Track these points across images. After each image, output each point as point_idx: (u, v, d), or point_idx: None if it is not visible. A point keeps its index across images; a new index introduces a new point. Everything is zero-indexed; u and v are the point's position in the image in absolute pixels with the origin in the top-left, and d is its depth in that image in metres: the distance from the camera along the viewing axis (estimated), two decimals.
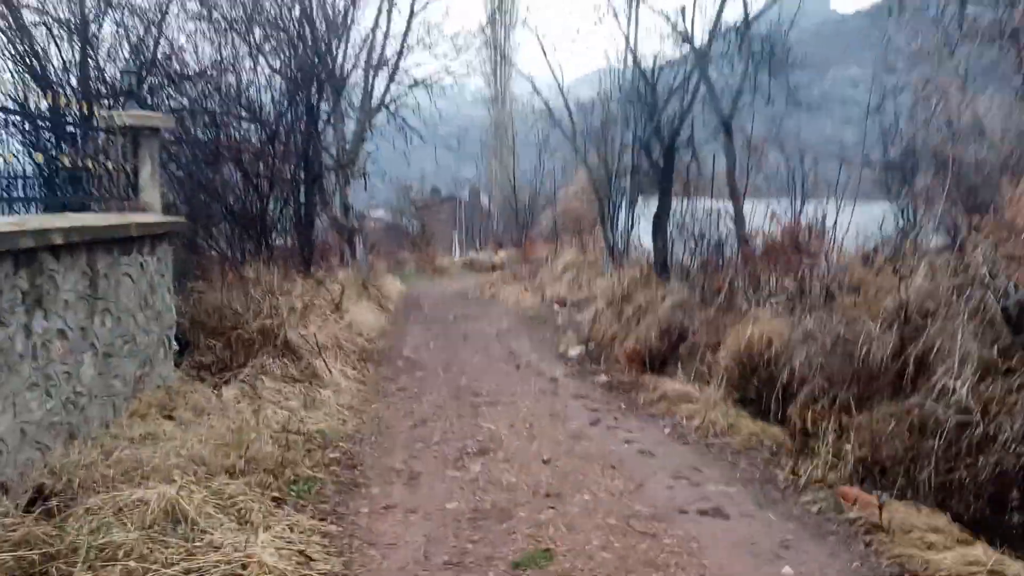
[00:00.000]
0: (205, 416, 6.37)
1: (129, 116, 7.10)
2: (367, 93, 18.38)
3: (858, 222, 10.59)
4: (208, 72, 9.75)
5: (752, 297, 8.63)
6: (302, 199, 11.37)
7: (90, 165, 6.37)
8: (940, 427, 4.95)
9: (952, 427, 4.88)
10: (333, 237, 19.02)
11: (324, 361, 8.39)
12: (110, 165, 6.69)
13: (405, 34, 18.38)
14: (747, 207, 11.57)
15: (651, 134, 11.32)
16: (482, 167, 41.08)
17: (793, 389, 7.02)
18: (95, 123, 6.58)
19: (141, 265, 6.44)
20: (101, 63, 9.01)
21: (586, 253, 18.88)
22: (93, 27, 8.84)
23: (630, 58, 13.75)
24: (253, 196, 10.30)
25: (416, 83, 18.72)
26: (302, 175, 11.37)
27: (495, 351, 11.78)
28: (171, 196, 9.63)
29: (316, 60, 11.34)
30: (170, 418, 6.26)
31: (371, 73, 18.61)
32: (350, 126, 19.06)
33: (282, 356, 8.00)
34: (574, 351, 11.52)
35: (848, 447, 5.52)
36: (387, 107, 19.13)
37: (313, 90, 11.26)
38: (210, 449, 5.54)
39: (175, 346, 7.73)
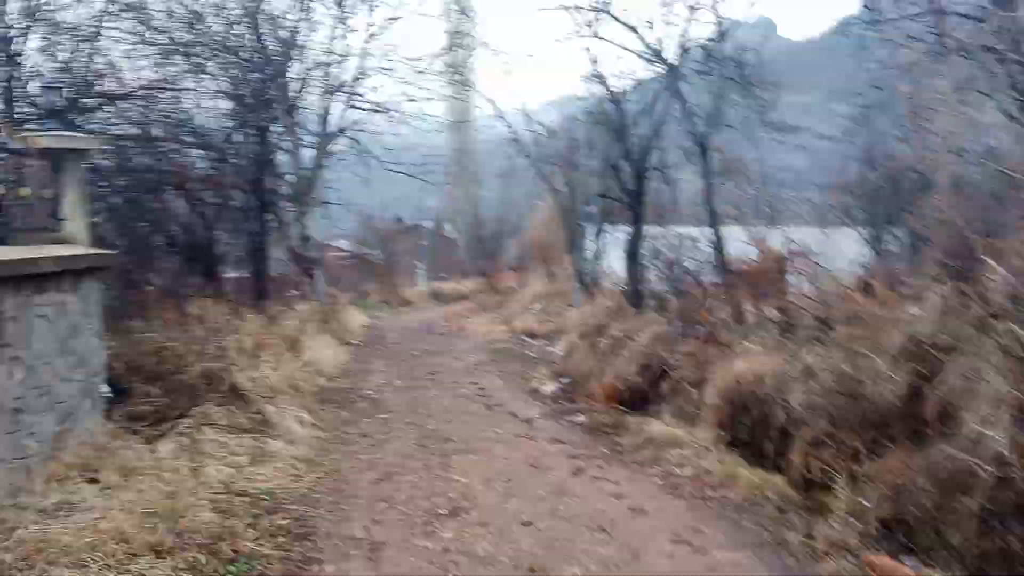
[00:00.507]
0: (136, 477, 5.52)
1: (49, 138, 6.29)
2: (324, 118, 17.64)
3: (839, 249, 10.13)
4: (148, 92, 8.94)
5: (737, 329, 8.02)
6: (254, 228, 10.52)
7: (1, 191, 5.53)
8: (975, 481, 4.34)
9: (989, 482, 4.27)
10: (292, 269, 18.15)
11: (276, 407, 7.55)
12: (25, 192, 5.86)
13: (362, 57, 17.73)
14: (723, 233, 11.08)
15: (620, 157, 10.77)
16: (445, 197, 40.49)
17: (791, 432, 6.41)
18: (6, 145, 5.77)
19: (60, 305, 5.59)
20: (26, 83, 8.17)
21: (555, 283, 18.27)
22: (17, 44, 8.00)
23: (596, 81, 13.30)
24: (199, 226, 9.46)
25: (376, 108, 18.02)
26: (253, 202, 10.55)
27: (465, 389, 11.02)
28: (107, 227, 8.77)
29: (266, 81, 10.58)
30: (94, 481, 5.39)
31: (328, 97, 17.90)
32: (307, 153, 18.30)
33: (229, 403, 7.16)
34: (548, 387, 10.81)
35: (866, 503, 4.87)
36: (345, 132, 18.40)
37: (263, 112, 10.47)
38: (135, 521, 4.71)
39: (107, 394, 6.87)
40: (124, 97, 8.58)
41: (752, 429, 6.92)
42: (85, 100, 8.26)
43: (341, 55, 17.47)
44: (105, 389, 6.91)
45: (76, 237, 6.47)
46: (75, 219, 6.48)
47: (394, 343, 17.08)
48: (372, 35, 17.54)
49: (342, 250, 32.33)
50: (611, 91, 10.93)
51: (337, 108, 18.13)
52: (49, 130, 6.55)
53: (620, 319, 11.09)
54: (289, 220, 17.57)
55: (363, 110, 17.93)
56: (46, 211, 6.29)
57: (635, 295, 10.86)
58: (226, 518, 5.05)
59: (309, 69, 16.47)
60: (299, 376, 9.15)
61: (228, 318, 8.53)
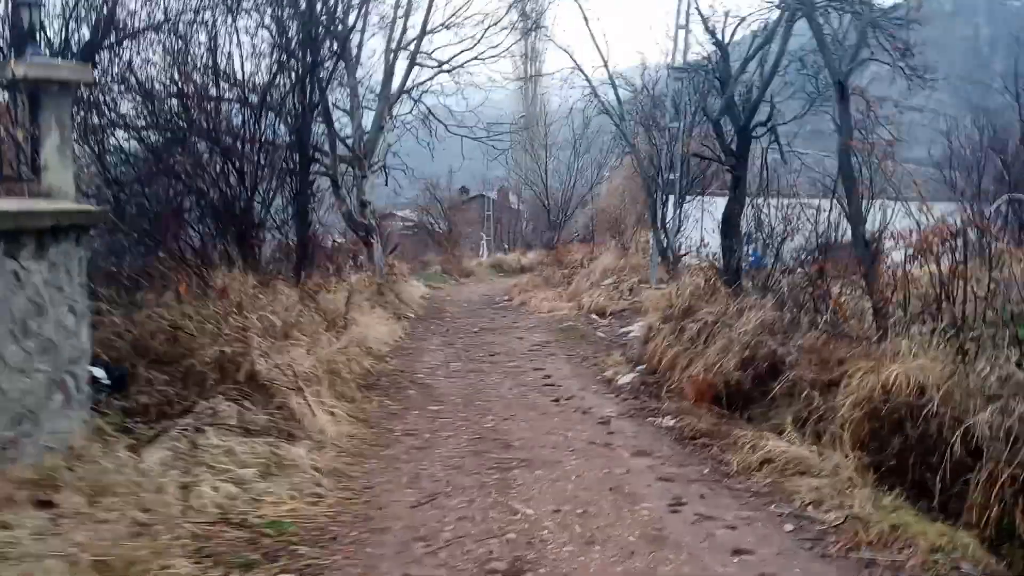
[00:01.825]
0: (106, 499, 4.16)
1: (26, 66, 4.92)
2: (387, 77, 16.17)
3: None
4: (172, 24, 7.57)
5: (884, 323, 6.22)
6: (297, 189, 9.11)
7: None
8: None
9: None
10: (348, 237, 16.88)
11: (304, 399, 6.14)
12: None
13: (428, 10, 16.16)
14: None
15: (722, 110, 8.94)
16: (511, 165, 38.77)
17: (971, 465, 4.67)
18: None
19: (14, 274, 4.23)
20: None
21: (627, 256, 16.49)
22: None
23: (698, 21, 11.31)
24: (235, 184, 8.08)
25: (441, 66, 16.44)
26: (296, 159, 9.12)
27: (528, 375, 9.48)
28: (126, 181, 7.50)
29: (313, 13, 9.06)
30: (47, 505, 4.04)
31: (391, 56, 16.41)
32: (368, 117, 16.89)
33: (245, 395, 5.77)
34: (625, 378, 9.17)
35: None
36: (409, 94, 16.92)
37: (309, 53, 8.98)
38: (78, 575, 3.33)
39: (103, 381, 5.56)
40: (144, 32, 7.21)
41: (906, 455, 5.18)
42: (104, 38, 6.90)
43: (406, 11, 16.01)
44: (99, 374, 5.61)
45: (60, 190, 5.12)
46: (58, 168, 5.12)
47: (453, 317, 15.66)
48: None
49: (404, 219, 31.12)
50: (710, 29, 9.06)
51: (400, 67, 16.68)
52: (30, 58, 5.19)
53: (712, 300, 9.32)
54: (350, 186, 16.32)
55: (428, 67, 16.35)
56: (19, 157, 4.93)
57: (732, 273, 9.08)
58: (207, 569, 3.64)
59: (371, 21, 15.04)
60: (340, 359, 7.73)
61: (256, 291, 7.12)
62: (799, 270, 8.03)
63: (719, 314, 8.89)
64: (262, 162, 8.37)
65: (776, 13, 9.28)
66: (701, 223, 14.71)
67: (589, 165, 25.15)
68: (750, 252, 18.30)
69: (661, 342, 9.55)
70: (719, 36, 8.89)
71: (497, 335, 13.00)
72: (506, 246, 35.41)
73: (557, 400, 8.07)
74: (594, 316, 14.51)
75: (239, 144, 8.30)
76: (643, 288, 14.96)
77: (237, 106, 8.39)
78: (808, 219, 8.22)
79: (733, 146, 8.89)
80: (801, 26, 8.83)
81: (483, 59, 17.19)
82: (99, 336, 5.96)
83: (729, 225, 9.14)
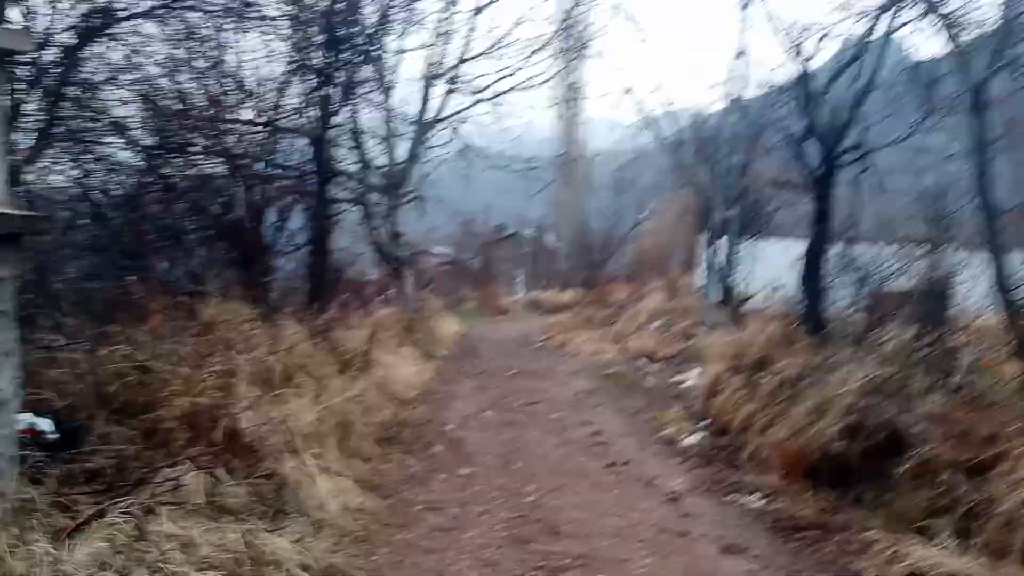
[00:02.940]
0: None
1: None
2: (423, 103, 15.08)
3: None
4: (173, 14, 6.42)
5: None
6: (315, 211, 7.86)
7: None
8: None
9: None
10: (378, 270, 15.69)
11: (302, 464, 4.77)
12: None
13: (467, 38, 15.07)
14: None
15: (805, 135, 7.52)
16: (549, 204, 37.53)
17: None
18: None
19: None
20: None
21: (677, 298, 14.97)
22: None
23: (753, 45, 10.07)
24: (241, 201, 6.88)
25: (480, 93, 15.30)
26: (314, 178, 7.90)
27: (573, 431, 8.01)
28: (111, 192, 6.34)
29: (333, 18, 7.82)
30: None
31: (428, 82, 15.33)
32: (403, 146, 15.78)
33: (224, 459, 4.41)
34: (690, 438, 7.65)
35: None
36: (447, 121, 15.79)
37: (328, 56, 7.78)
38: None
39: (47, 435, 4.29)
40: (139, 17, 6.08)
41: None
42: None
43: (444, 31, 14.93)
44: (45, 427, 4.35)
45: None
46: None
47: (487, 358, 14.25)
48: (479, 8, 14.87)
49: (439, 255, 30.01)
50: (797, 45, 7.65)
51: (437, 94, 15.57)
52: None
53: (791, 351, 7.81)
54: (382, 216, 15.17)
55: (465, 93, 15.23)
56: None
57: (814, 320, 7.57)
58: None
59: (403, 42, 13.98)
60: (355, 408, 6.35)
61: (253, 326, 5.81)
62: (910, 322, 6.48)
63: (803, 367, 7.39)
64: (273, 178, 7.17)
65: (863, 25, 7.91)
66: (751, 267, 13.23)
67: (632, 203, 23.72)
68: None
69: (731, 397, 8.03)
70: (801, 52, 7.51)
71: (536, 380, 11.55)
72: (543, 284, 34.02)
73: (612, 465, 6.57)
74: (642, 362, 13.00)
75: (248, 157, 7.10)
76: (696, 332, 13.43)
77: (247, 114, 7.22)
78: (912, 259, 6.71)
79: (818, 175, 7.44)
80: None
81: (523, 88, 15.99)
82: (53, 377, 4.72)
83: (812, 265, 7.66)
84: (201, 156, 6.89)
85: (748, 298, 11.44)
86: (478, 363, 13.45)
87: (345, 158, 13.92)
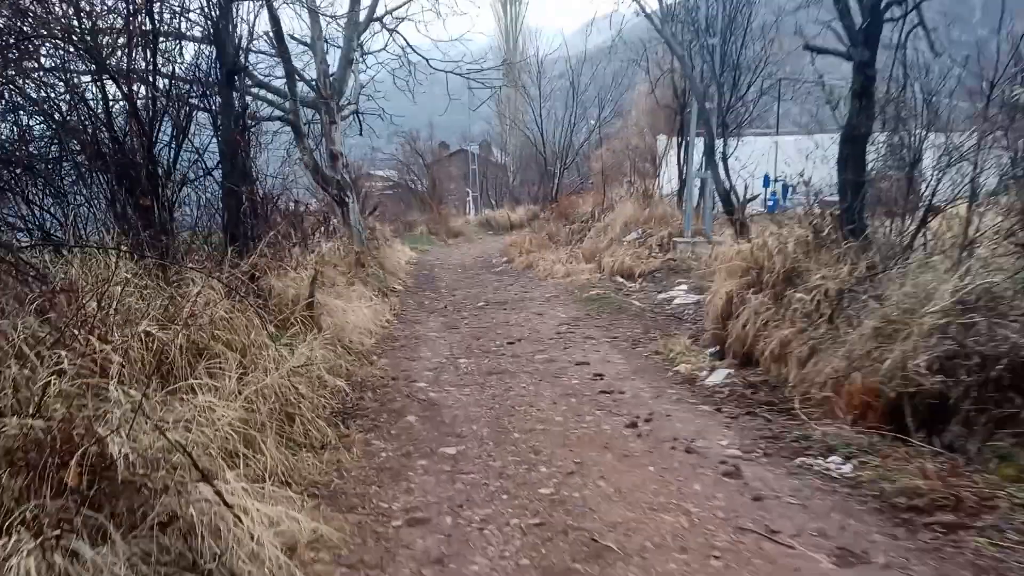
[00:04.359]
0: None
1: None
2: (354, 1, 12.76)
3: None
4: None
5: None
6: (222, 126, 5.88)
7: None
8: None
9: None
10: (320, 198, 13.66)
11: (219, 495, 3.13)
12: None
13: None
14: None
15: None
16: (501, 108, 35.01)
17: None
18: None
19: None
20: None
21: (652, 206, 13.41)
22: None
23: None
24: (121, 115, 4.92)
25: None
26: (216, 70, 5.86)
27: (570, 375, 6.51)
28: None
29: None
30: None
31: None
32: (335, 54, 13.52)
33: (90, 511, 2.72)
34: (714, 376, 6.23)
35: None
36: (381, 22, 13.54)
37: None
38: None
39: None
40: None
41: None
42: None
43: None
44: None
45: None
46: None
47: (449, 288, 12.61)
48: None
49: (383, 178, 27.77)
50: None
51: None
52: None
53: (827, 260, 6.36)
54: (319, 136, 13.06)
55: None
56: None
57: (855, 221, 6.09)
58: None
59: None
60: (298, 382, 4.67)
61: (141, 286, 4.00)
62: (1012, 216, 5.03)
63: (847, 280, 5.96)
64: (160, 82, 5.18)
65: None
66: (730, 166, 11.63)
67: (587, 109, 21.77)
68: (766, 191, 15.31)
69: (754, 319, 6.60)
70: None
71: (510, 311, 9.99)
72: (493, 202, 32.19)
73: (633, 425, 5.09)
74: (620, 279, 11.54)
75: (125, 55, 5.08)
76: (678, 243, 11.98)
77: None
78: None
79: (859, 32, 5.79)
80: None
81: None
82: None
83: (854, 151, 6.12)
84: (60, 57, 4.87)
85: (751, 199, 9.95)
86: (440, 295, 11.80)
87: (267, 69, 11.74)
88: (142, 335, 3.53)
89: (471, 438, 4.94)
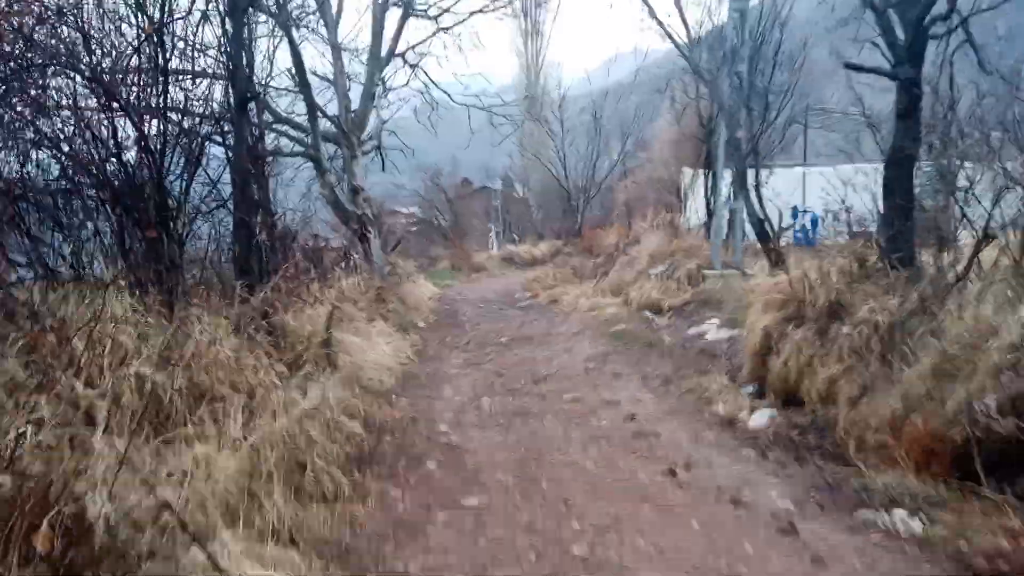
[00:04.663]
0: None
1: None
2: (376, 34, 12.72)
3: None
4: None
5: None
6: (235, 158, 5.65)
7: None
8: None
9: None
10: (342, 233, 13.48)
11: (218, 551, 2.76)
12: None
13: None
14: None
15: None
16: (522, 143, 34.99)
17: None
18: None
19: None
20: None
21: (678, 238, 13.03)
22: None
23: None
24: (140, 151, 4.70)
25: (438, 18, 12.97)
26: (230, 114, 5.65)
27: (600, 416, 6.09)
28: None
29: None
30: None
31: (380, 7, 12.95)
32: (356, 90, 13.47)
33: None
34: (756, 418, 5.77)
35: None
36: (403, 57, 13.47)
37: None
38: None
39: None
40: None
41: None
42: None
43: None
44: None
45: None
46: None
47: (472, 323, 12.27)
48: None
49: (407, 215, 27.73)
50: None
51: (392, 22, 13.20)
52: None
53: (870, 292, 5.93)
54: (341, 171, 12.94)
55: (423, 17, 12.89)
56: None
57: (903, 250, 5.68)
58: None
59: None
60: (308, 426, 4.32)
61: (136, 325, 3.70)
62: None
63: (898, 312, 5.52)
64: (169, 108, 4.97)
65: None
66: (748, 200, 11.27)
67: (609, 143, 21.54)
68: (795, 223, 14.82)
69: (796, 356, 6.15)
70: None
71: (535, 347, 9.61)
72: (515, 237, 31.98)
73: (672, 473, 4.66)
74: (648, 314, 11.12)
75: (135, 77, 4.89)
76: (707, 275, 11.56)
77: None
78: None
79: (902, 50, 5.43)
80: None
81: (486, 11, 13.67)
82: None
83: (899, 175, 5.72)
84: (69, 88, 4.69)
85: (786, 229, 9.53)
86: (463, 331, 11.46)
87: (289, 105, 11.68)
88: (133, 378, 3.22)
89: (495, 487, 4.54)
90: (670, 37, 10.51)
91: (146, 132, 4.88)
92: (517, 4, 20.53)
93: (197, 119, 5.24)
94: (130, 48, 4.85)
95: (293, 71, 10.84)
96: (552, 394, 6.98)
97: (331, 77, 12.50)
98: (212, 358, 3.85)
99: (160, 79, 4.81)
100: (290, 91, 11.70)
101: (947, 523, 3.63)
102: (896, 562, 3.37)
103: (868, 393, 5.22)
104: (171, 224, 5.02)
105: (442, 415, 6.32)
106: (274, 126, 11.92)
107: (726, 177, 11.95)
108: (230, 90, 5.57)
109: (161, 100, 4.88)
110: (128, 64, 4.82)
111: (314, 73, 12.11)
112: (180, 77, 5.25)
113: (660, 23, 10.28)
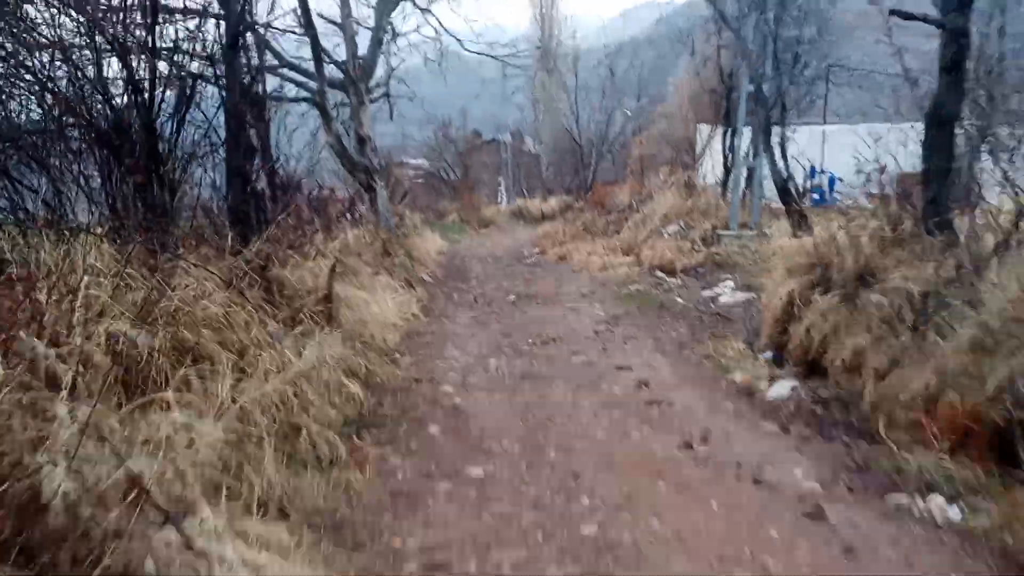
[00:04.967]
0: None
1: None
2: None
3: None
4: None
5: None
6: (229, 97, 5.23)
7: None
8: None
9: None
10: (349, 184, 13.09)
11: (197, 528, 2.48)
12: None
13: None
14: None
15: None
16: (526, 108, 34.27)
17: None
18: None
19: None
20: None
21: (694, 196, 12.58)
22: None
23: None
24: (128, 93, 4.33)
25: None
26: (220, 35, 5.20)
27: (612, 383, 5.80)
28: None
29: None
30: None
31: None
32: (364, 37, 12.87)
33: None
34: (775, 388, 5.46)
35: None
36: (413, 1, 12.86)
37: None
38: None
39: None
40: None
41: None
42: None
43: None
44: None
45: None
46: None
47: (479, 279, 11.95)
48: None
49: (414, 165, 27.17)
50: None
51: None
52: None
53: (902, 258, 5.56)
54: (348, 118, 12.48)
55: None
56: None
57: (941, 213, 5.28)
58: None
59: None
60: (304, 387, 4.04)
61: (113, 278, 3.38)
62: None
63: (933, 280, 5.16)
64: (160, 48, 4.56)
65: None
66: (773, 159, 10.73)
67: (623, 99, 20.86)
68: (812, 182, 14.24)
69: (820, 323, 5.81)
70: None
71: (543, 306, 9.30)
72: (526, 192, 31.44)
73: (688, 446, 4.38)
74: (661, 274, 10.77)
75: (122, 12, 4.47)
76: (722, 236, 11.16)
77: None
78: None
79: None
80: None
81: None
82: None
83: (940, 134, 5.29)
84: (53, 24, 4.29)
85: (810, 190, 9.07)
86: (470, 287, 11.15)
87: (295, 49, 11.18)
88: (104, 336, 2.91)
89: (501, 456, 4.27)
90: None
91: (135, 70, 4.48)
92: None
93: (188, 57, 4.83)
94: None
95: (299, 11, 10.31)
96: (561, 357, 6.68)
97: (339, 20, 11.94)
98: (198, 314, 3.54)
99: (149, 14, 4.40)
100: (294, 33, 11.16)
101: (989, 513, 3.34)
102: (935, 555, 3.08)
103: (898, 366, 4.89)
104: (160, 168, 4.66)
105: (447, 376, 6.04)
106: (279, 71, 11.43)
107: (746, 133, 11.45)
108: (221, 26, 5.12)
109: (150, 37, 4.48)
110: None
111: (321, 16, 11.57)
112: (171, 13, 4.83)
113: None
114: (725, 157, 12.93)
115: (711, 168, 14.11)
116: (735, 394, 5.48)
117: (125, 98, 4.56)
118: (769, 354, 6.44)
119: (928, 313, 5.01)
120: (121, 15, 4.52)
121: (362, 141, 11.91)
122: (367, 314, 7.10)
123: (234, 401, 3.42)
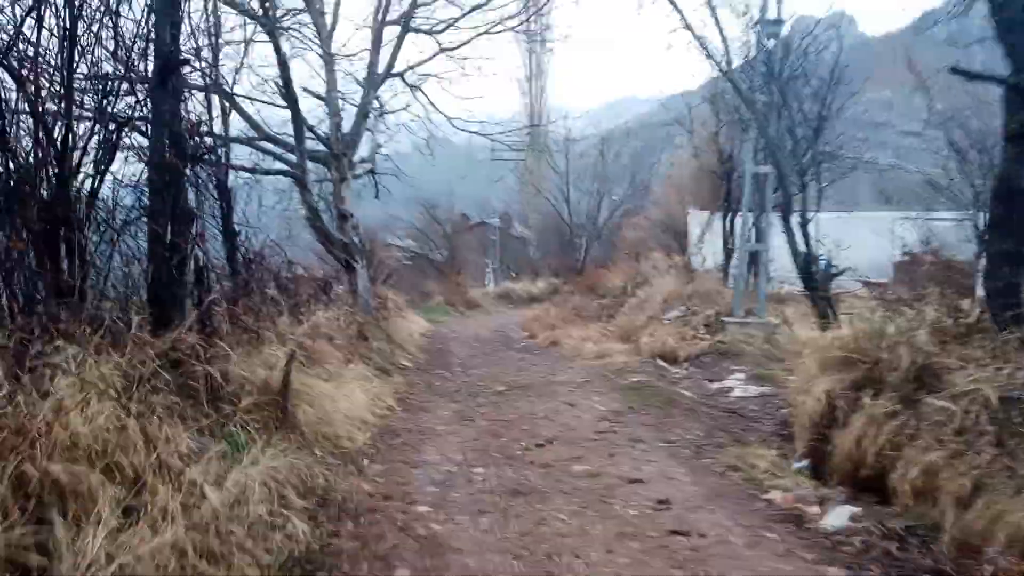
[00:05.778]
0: None
1: None
2: (375, 47, 11.58)
3: None
4: None
5: None
6: (156, 152, 4.26)
7: None
8: None
9: None
10: (328, 263, 12.16)
11: None
12: None
13: None
14: None
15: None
16: (513, 191, 34.14)
17: None
18: None
19: None
20: None
21: (694, 280, 11.73)
22: None
23: None
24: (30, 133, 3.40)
25: (439, 35, 11.87)
26: (147, 66, 4.23)
27: (625, 504, 4.68)
28: None
29: None
30: None
31: (380, 30, 11.84)
32: (350, 113, 12.23)
33: None
34: (830, 516, 4.36)
35: None
36: (402, 77, 12.32)
37: None
38: None
39: None
40: None
41: None
42: None
43: None
44: None
45: None
46: None
47: (464, 367, 10.87)
48: None
49: (401, 246, 26.47)
50: None
51: (389, 38, 12.06)
52: None
53: (974, 357, 4.61)
54: (323, 193, 11.69)
55: (424, 32, 11.77)
56: None
57: (1011, 302, 4.37)
58: None
59: None
60: (223, 523, 2.92)
61: None
62: None
63: (1013, 383, 4.20)
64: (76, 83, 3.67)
65: None
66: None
67: (612, 183, 20.40)
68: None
69: (874, 432, 4.78)
70: None
71: (536, 399, 8.22)
72: (513, 274, 30.73)
73: None
74: (662, 363, 9.79)
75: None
76: (727, 323, 10.24)
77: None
78: None
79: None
80: None
81: (492, 33, 12.51)
82: None
83: (1010, 211, 4.46)
84: None
85: (838, 274, 8.21)
86: (453, 375, 10.07)
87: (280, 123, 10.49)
88: None
89: None
90: (706, 52, 9.34)
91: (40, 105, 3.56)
92: (522, 39, 19.54)
93: (113, 97, 3.92)
94: None
95: (279, 83, 9.65)
96: (559, 464, 5.57)
97: (323, 94, 11.31)
98: (66, 435, 2.49)
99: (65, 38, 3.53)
100: (276, 105, 10.45)
101: None
102: None
103: (985, 491, 3.87)
104: (72, 235, 3.67)
105: (423, 490, 4.90)
106: (258, 142, 10.67)
107: (747, 217, 10.76)
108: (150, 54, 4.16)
109: (65, 71, 3.59)
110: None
111: (305, 90, 10.92)
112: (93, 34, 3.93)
113: (690, 28, 9.07)
114: (725, 240, 12.23)
115: (711, 252, 13.39)
116: (778, 520, 4.38)
117: (31, 143, 3.62)
118: (804, 463, 5.42)
119: (1012, 424, 4.05)
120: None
121: (343, 217, 11.06)
122: (332, 410, 6.02)
123: (107, 563, 2.31)
